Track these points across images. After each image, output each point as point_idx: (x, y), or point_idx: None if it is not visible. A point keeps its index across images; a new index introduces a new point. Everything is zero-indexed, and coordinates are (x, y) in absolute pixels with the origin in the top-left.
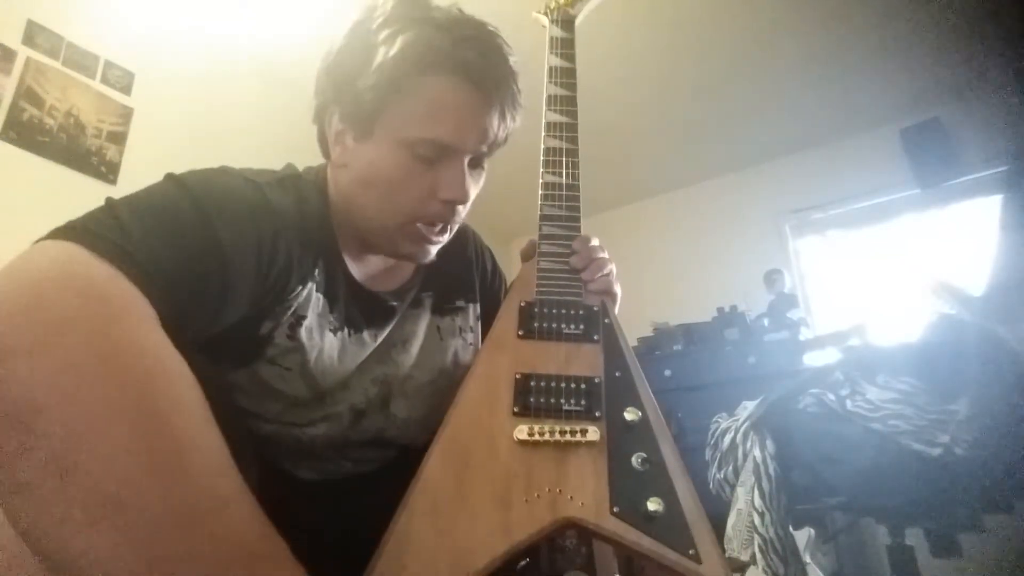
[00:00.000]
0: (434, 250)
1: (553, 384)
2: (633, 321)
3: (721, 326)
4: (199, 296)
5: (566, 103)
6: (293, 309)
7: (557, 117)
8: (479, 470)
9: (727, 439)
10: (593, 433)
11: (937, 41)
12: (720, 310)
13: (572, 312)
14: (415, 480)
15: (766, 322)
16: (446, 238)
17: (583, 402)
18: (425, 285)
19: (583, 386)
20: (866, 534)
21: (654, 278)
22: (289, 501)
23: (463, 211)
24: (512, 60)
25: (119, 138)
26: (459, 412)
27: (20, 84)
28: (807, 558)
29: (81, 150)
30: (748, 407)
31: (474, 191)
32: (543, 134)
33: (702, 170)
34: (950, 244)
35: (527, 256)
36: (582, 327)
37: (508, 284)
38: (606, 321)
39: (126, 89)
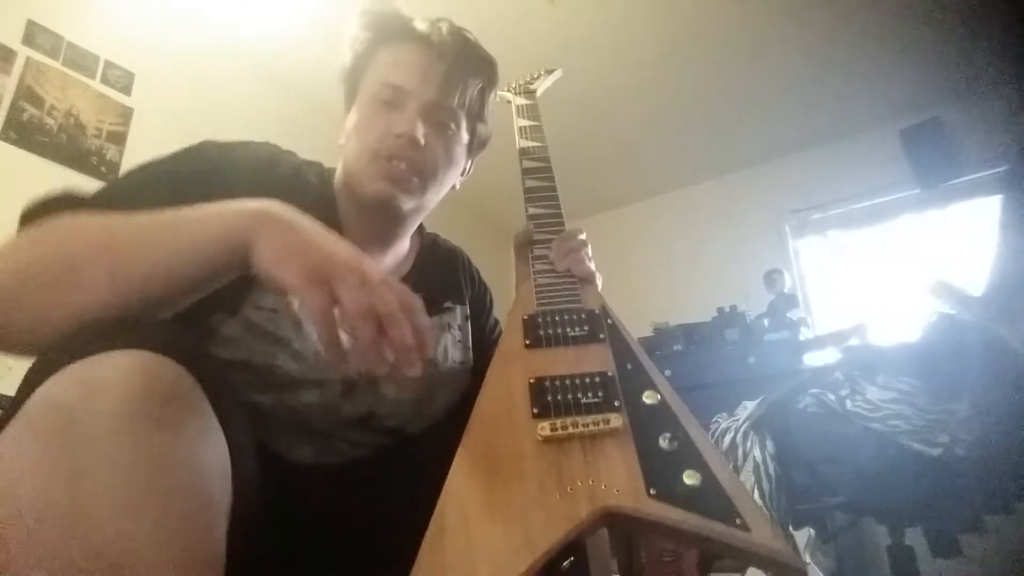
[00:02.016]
0: (405, 198)
1: (568, 382)
2: (633, 321)
3: (721, 326)
4: None
5: (539, 152)
6: None
7: (532, 163)
8: (508, 474)
9: (727, 439)
10: (616, 420)
11: (937, 41)
12: (720, 310)
13: (575, 317)
14: (442, 496)
15: (766, 322)
16: (414, 185)
17: (600, 393)
18: (415, 285)
19: (597, 380)
20: (866, 534)
21: (654, 278)
22: (285, 488)
23: (425, 157)
24: (473, 45)
25: (119, 138)
26: (477, 423)
27: (20, 84)
28: (807, 558)
29: (81, 150)
30: (748, 407)
31: (438, 145)
32: (522, 177)
33: (702, 170)
34: (950, 244)
35: (521, 241)
36: (587, 328)
37: (492, 296)
38: (609, 321)
39: (126, 89)
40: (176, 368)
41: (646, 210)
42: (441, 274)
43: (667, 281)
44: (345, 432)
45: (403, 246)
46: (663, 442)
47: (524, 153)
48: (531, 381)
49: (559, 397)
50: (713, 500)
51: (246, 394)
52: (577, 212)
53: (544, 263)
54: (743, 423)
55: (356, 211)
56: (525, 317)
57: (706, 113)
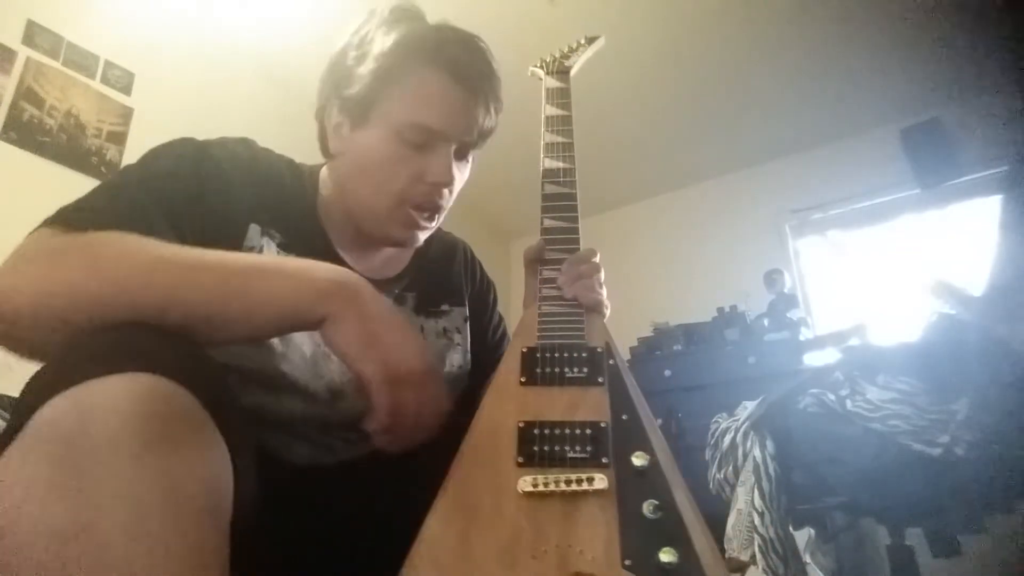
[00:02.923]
0: (422, 236)
1: (557, 431)
2: (633, 321)
3: (721, 326)
4: None
5: (564, 149)
6: (245, 251)
7: (555, 163)
8: (484, 526)
9: (727, 439)
10: (601, 481)
11: (937, 41)
12: (720, 310)
13: (575, 355)
14: (419, 537)
15: (766, 322)
16: (434, 225)
17: (589, 448)
18: (409, 286)
19: (588, 431)
20: (866, 534)
21: (654, 278)
22: (281, 488)
23: (449, 198)
24: (494, 62)
25: (119, 138)
26: (463, 464)
27: (20, 84)
28: (807, 558)
29: (81, 150)
30: (748, 407)
31: (460, 180)
32: (542, 180)
33: (702, 170)
34: (950, 244)
35: (532, 257)
36: (586, 370)
37: (496, 291)
38: (611, 363)
39: (126, 89)
40: (173, 387)
41: (646, 210)
42: (439, 274)
43: (667, 281)
44: (338, 433)
45: None
46: (647, 510)
47: (548, 150)
48: (520, 425)
49: (546, 447)
50: None
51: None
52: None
53: (551, 288)
54: (743, 423)
55: (348, 223)
56: (524, 350)
57: (706, 113)
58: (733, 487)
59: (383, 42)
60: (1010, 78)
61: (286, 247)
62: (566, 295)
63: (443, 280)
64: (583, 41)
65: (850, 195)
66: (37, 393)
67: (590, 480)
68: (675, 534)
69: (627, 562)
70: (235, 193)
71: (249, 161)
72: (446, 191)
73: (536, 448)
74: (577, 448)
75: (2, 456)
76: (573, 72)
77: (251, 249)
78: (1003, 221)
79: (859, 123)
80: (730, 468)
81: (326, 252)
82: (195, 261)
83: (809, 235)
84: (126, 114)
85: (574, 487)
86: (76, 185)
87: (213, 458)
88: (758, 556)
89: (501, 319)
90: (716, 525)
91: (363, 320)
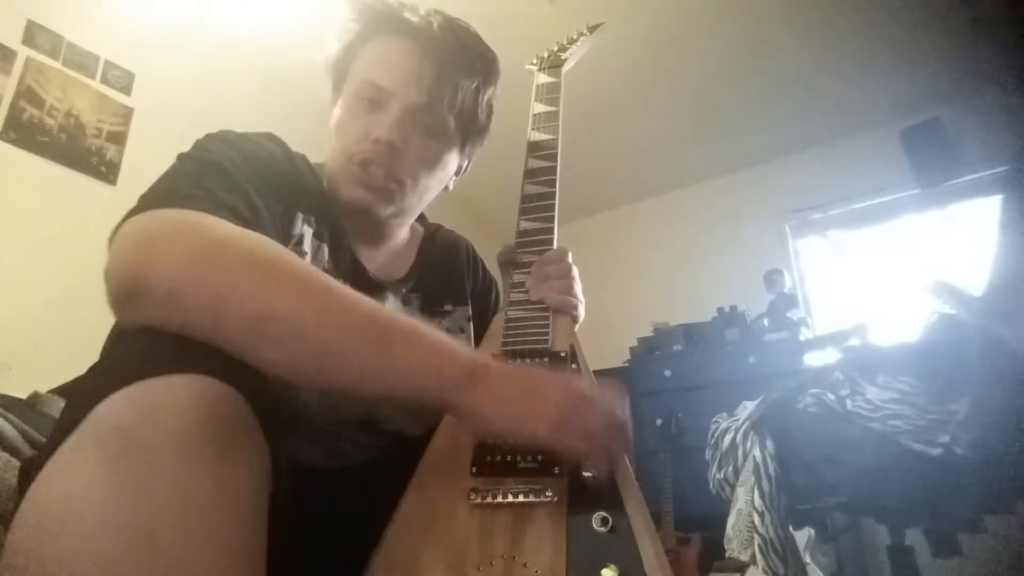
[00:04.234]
0: (382, 205)
1: (512, 440)
2: (633, 321)
3: (721, 326)
4: None
5: (548, 147)
6: (294, 239)
7: (537, 163)
8: (437, 537)
9: (727, 439)
10: (551, 492)
11: (937, 41)
12: (720, 310)
13: (537, 361)
14: (379, 548)
15: (766, 322)
16: (391, 190)
17: (540, 457)
18: (415, 287)
19: None
20: (866, 534)
21: (654, 278)
22: (293, 491)
23: (401, 162)
24: (469, 40)
25: (119, 138)
26: (424, 471)
27: (20, 84)
28: (807, 558)
29: (81, 150)
30: (748, 407)
31: (422, 153)
32: (523, 180)
33: (702, 170)
34: (950, 244)
35: (503, 261)
36: None
37: (499, 289)
38: (573, 367)
39: (126, 89)
40: (230, 393)
41: (646, 210)
42: (443, 273)
43: (667, 281)
44: (348, 434)
45: (397, 241)
46: (596, 523)
47: (532, 149)
48: None
49: (498, 457)
50: None
51: None
52: (578, 212)
53: (519, 292)
54: (743, 423)
55: (346, 216)
56: None
57: (706, 113)
58: (733, 487)
59: (347, 19)
60: (1009, 78)
61: (319, 236)
62: (532, 297)
63: (447, 279)
64: (585, 30)
65: (850, 195)
66: (96, 388)
67: (541, 491)
68: (622, 550)
69: None
70: (287, 178)
71: (278, 158)
72: (397, 153)
73: (488, 458)
74: (528, 458)
75: (60, 449)
76: (568, 66)
77: (298, 236)
78: (1003, 221)
79: (859, 123)
80: (730, 468)
81: (345, 246)
82: (362, 308)
83: (809, 235)
84: (126, 114)
85: (521, 499)
86: (76, 185)
87: (260, 462)
88: (758, 556)
89: None
90: (716, 525)
91: (500, 400)
